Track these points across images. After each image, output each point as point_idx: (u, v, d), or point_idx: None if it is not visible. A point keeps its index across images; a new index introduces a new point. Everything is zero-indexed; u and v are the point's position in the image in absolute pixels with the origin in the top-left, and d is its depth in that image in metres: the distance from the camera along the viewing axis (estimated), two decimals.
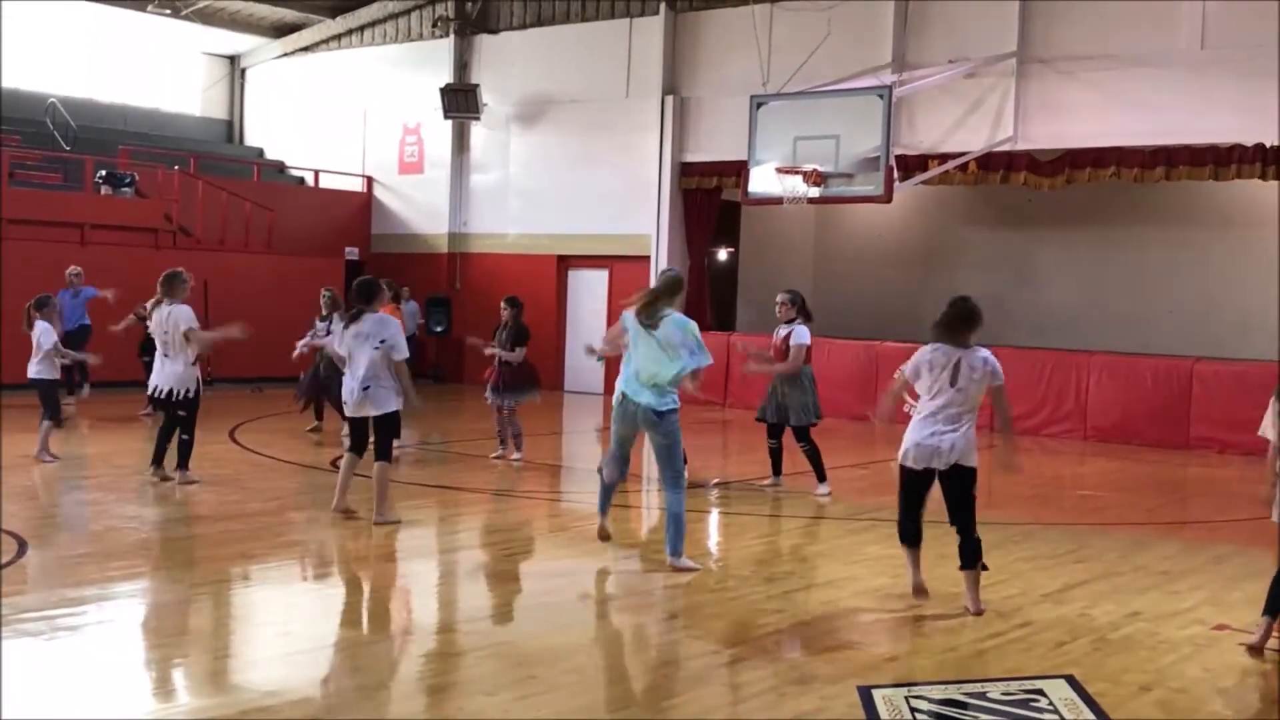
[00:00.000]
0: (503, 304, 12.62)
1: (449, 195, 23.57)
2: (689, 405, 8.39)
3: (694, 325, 8.00)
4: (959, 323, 7.06)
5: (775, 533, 9.70)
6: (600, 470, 8.76)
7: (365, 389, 9.09)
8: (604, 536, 8.57)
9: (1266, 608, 6.45)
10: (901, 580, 8.30)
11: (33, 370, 11.73)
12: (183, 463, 10.67)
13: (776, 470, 11.39)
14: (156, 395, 10.64)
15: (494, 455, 12.72)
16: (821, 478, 11.03)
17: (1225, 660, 6.37)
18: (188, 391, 10.56)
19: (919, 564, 7.37)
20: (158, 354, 10.64)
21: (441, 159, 23.69)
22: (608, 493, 8.55)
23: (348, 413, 9.37)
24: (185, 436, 10.65)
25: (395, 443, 9.50)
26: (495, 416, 12.82)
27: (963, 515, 7.13)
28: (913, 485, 7.19)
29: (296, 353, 13.87)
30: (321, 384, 13.54)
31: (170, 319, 10.49)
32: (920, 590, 7.32)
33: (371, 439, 9.26)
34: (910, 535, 7.33)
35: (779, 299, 11.06)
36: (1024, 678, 5.94)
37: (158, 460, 10.83)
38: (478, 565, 8.36)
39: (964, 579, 7.23)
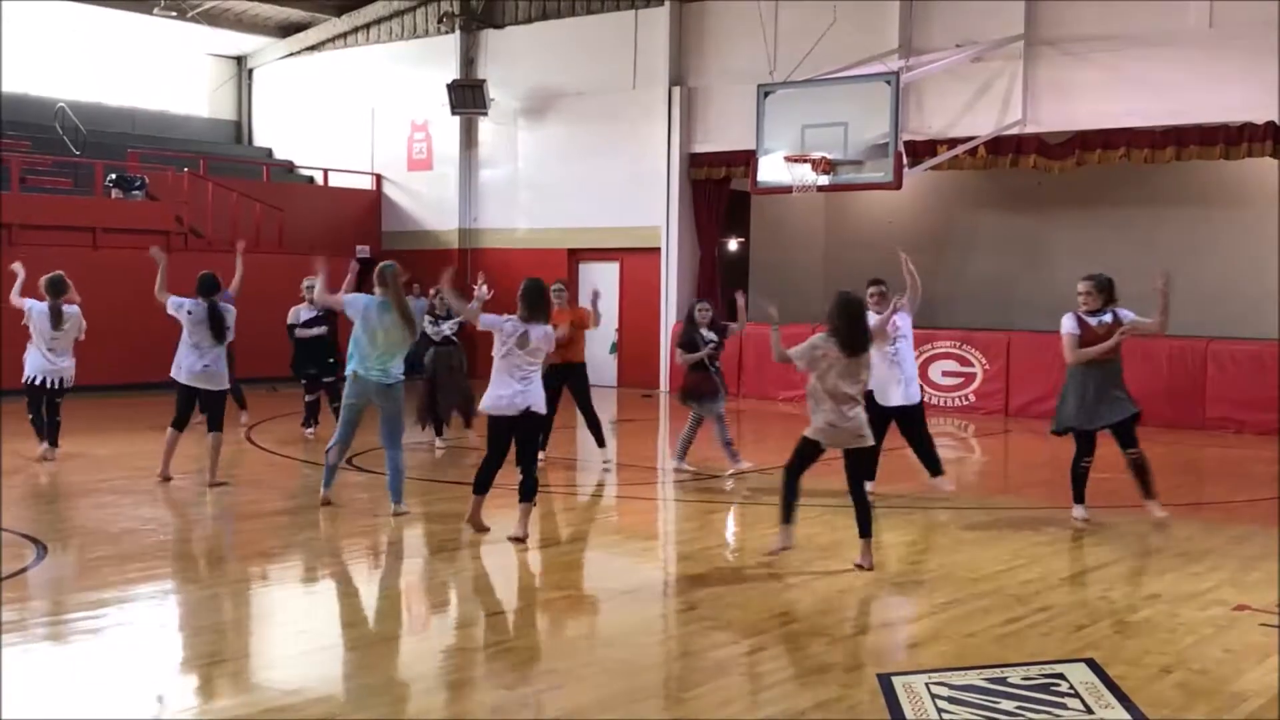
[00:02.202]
0: (703, 304, 11.84)
1: (458, 191, 23.58)
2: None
3: None
4: (537, 304, 8.45)
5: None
6: (329, 452, 9.74)
7: (205, 367, 10.53)
8: (326, 502, 9.70)
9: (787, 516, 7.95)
10: (920, 566, 8.32)
11: None
12: (55, 440, 11.95)
13: (1082, 496, 9.65)
14: (38, 383, 11.77)
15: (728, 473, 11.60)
16: (1151, 493, 9.51)
17: (1246, 641, 6.35)
18: (67, 381, 11.91)
19: (482, 506, 8.71)
20: (42, 347, 11.75)
21: (450, 155, 23.69)
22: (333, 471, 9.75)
23: (184, 380, 10.59)
24: (59, 418, 11.98)
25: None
26: (690, 426, 11.79)
27: (528, 456, 8.54)
28: (501, 432, 8.50)
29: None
30: (435, 394, 13.24)
31: (67, 318, 11.76)
32: (481, 528, 8.69)
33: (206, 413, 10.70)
34: (485, 485, 8.67)
35: (1083, 288, 9.53)
36: (1044, 662, 5.92)
37: (55, 441, 11.94)
38: (494, 560, 8.37)
39: (520, 510, 8.51)
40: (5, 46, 22.22)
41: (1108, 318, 9.40)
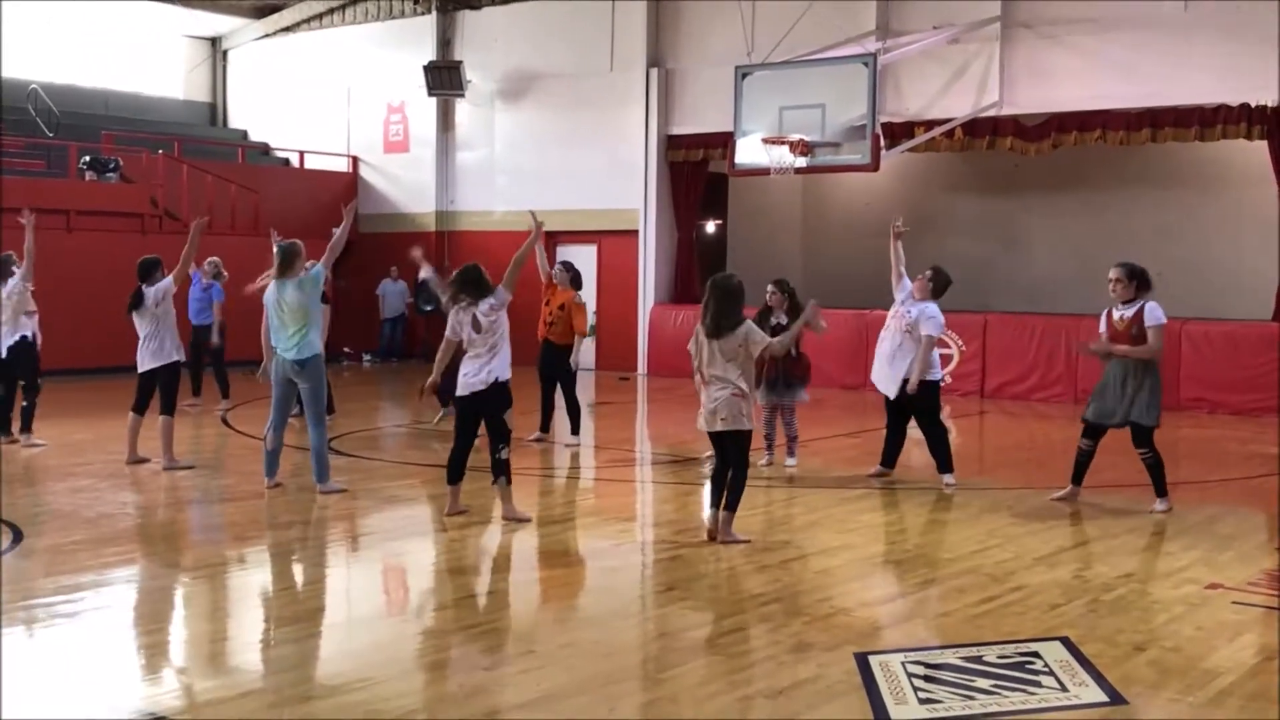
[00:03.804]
0: (770, 287, 10.95)
1: (435, 173, 23.50)
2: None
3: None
4: (471, 285, 8.54)
5: (768, 503, 9.72)
6: (265, 438, 9.88)
7: (145, 347, 10.66)
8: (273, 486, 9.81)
9: (713, 501, 8.07)
10: (897, 547, 8.36)
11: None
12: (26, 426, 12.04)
13: (1078, 479, 9.57)
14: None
15: (761, 464, 10.73)
16: (1162, 492, 9.27)
17: (1218, 619, 6.41)
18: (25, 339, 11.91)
19: (459, 495, 8.84)
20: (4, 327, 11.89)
21: (427, 137, 23.60)
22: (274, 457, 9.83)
23: (140, 369, 10.76)
24: (26, 403, 12.03)
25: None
26: (765, 418, 10.85)
27: (494, 435, 8.60)
28: (467, 414, 8.66)
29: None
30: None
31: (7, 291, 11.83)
32: (457, 511, 8.82)
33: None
34: (457, 474, 8.77)
35: (1112, 275, 9.16)
36: (1019, 640, 5.97)
37: (6, 428, 12.11)
38: (472, 541, 8.38)
39: (499, 494, 8.71)
40: None
41: (1130, 311, 9.08)
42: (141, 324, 10.71)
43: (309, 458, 9.92)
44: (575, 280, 12.60)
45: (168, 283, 10.75)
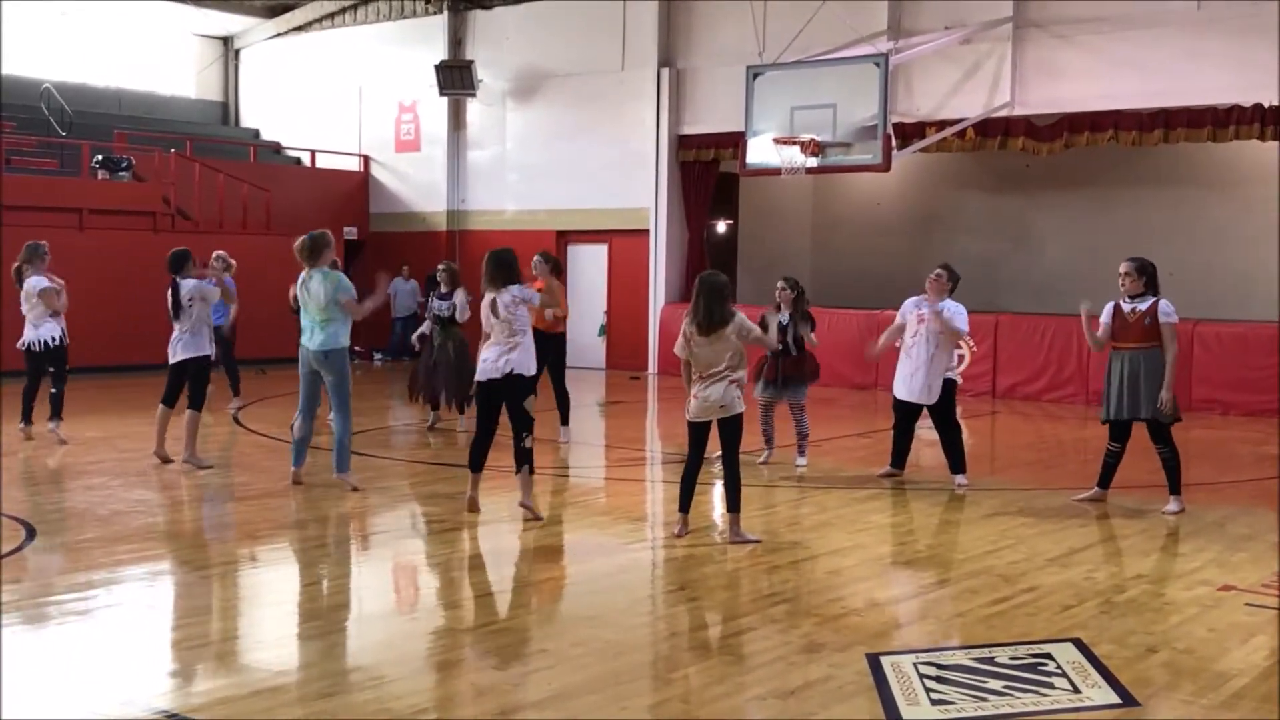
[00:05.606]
0: (781, 283, 10.97)
1: (446, 172, 23.53)
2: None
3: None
4: (502, 267, 8.62)
5: (778, 503, 9.71)
6: (292, 427, 9.96)
7: (173, 342, 10.71)
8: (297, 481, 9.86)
9: (683, 504, 8.25)
10: (908, 547, 8.35)
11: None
12: (56, 413, 12.03)
13: (1105, 482, 9.58)
14: (28, 349, 12.00)
15: (760, 461, 11.02)
16: (1175, 490, 9.30)
17: (1231, 621, 6.39)
18: (51, 342, 11.94)
19: (479, 485, 8.88)
20: (27, 317, 12.02)
21: (438, 136, 23.63)
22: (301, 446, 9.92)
23: (170, 360, 10.77)
24: (54, 390, 12.02)
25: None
26: (762, 415, 11.11)
27: (515, 423, 8.62)
28: (485, 401, 8.69)
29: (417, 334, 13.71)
30: (431, 374, 12.99)
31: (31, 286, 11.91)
32: (473, 508, 8.85)
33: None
34: (478, 462, 8.79)
35: (1123, 269, 9.23)
36: (1031, 642, 5.96)
37: (27, 417, 12.12)
38: (483, 541, 8.39)
39: (519, 481, 8.67)
40: None
41: (1144, 305, 9.12)
42: (177, 319, 10.76)
43: (325, 452, 9.94)
44: (555, 269, 12.66)
45: (195, 286, 10.78)
